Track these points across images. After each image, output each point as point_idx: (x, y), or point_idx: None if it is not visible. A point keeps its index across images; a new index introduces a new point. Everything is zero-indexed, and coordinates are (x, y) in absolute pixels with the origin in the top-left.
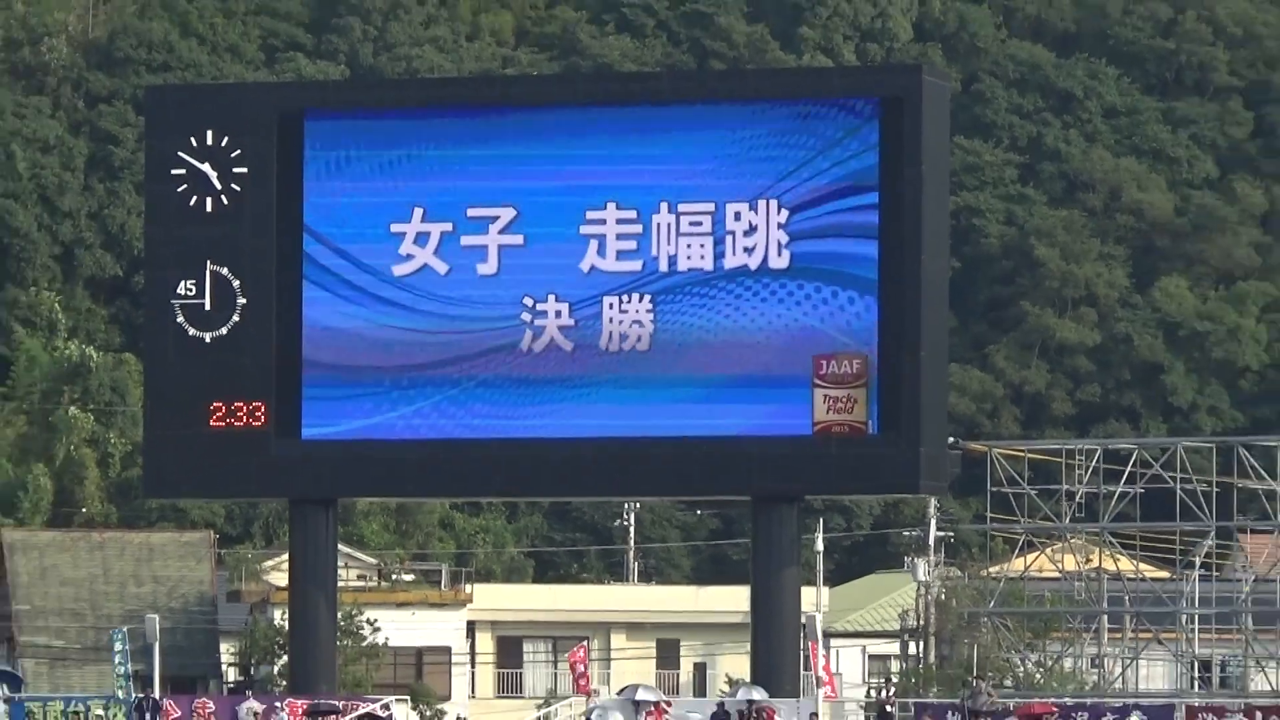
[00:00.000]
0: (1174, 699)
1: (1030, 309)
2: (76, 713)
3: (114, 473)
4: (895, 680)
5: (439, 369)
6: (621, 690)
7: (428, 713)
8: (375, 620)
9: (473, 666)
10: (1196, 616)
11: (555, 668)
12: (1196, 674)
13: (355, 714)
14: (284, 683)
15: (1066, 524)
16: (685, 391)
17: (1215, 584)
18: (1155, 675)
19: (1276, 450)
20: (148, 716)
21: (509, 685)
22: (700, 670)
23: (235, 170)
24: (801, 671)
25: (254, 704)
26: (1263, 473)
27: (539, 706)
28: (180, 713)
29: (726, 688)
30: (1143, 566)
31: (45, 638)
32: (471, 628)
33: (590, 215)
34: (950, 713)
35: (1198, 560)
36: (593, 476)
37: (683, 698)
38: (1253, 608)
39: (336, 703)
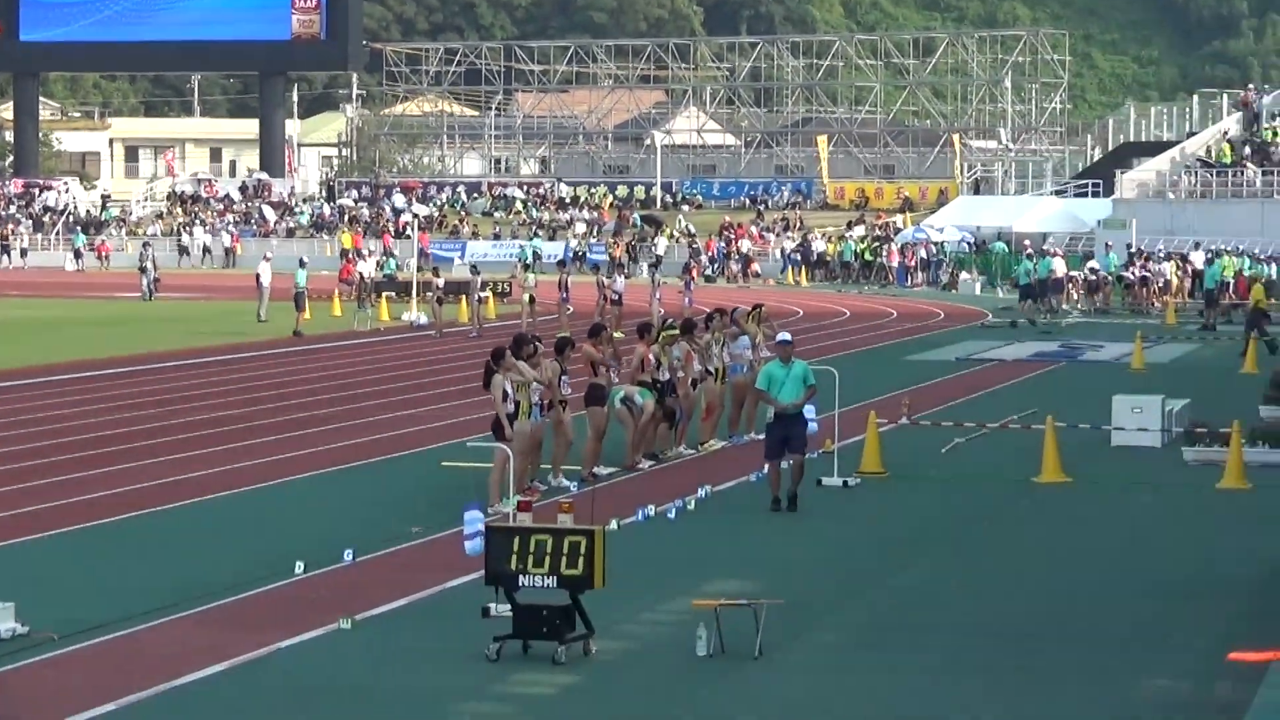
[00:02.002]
0: (481, 179)
1: None
2: None
3: None
4: (336, 170)
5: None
6: (193, 173)
7: (88, 186)
8: (60, 138)
9: (112, 162)
10: (491, 136)
11: (156, 164)
12: (492, 166)
13: (49, 188)
14: (11, 171)
15: (425, 86)
16: (230, 11)
17: (503, 118)
18: (471, 167)
19: (536, 50)
20: None
21: (132, 172)
22: (233, 165)
23: None
24: (285, 164)
25: None
26: (529, 62)
27: (147, 183)
28: None
29: (248, 174)
30: (465, 109)
31: None
32: (111, 142)
33: None
34: (363, 187)
35: (494, 105)
36: (178, 60)
37: (224, 179)
38: (523, 134)
39: (39, 180)
